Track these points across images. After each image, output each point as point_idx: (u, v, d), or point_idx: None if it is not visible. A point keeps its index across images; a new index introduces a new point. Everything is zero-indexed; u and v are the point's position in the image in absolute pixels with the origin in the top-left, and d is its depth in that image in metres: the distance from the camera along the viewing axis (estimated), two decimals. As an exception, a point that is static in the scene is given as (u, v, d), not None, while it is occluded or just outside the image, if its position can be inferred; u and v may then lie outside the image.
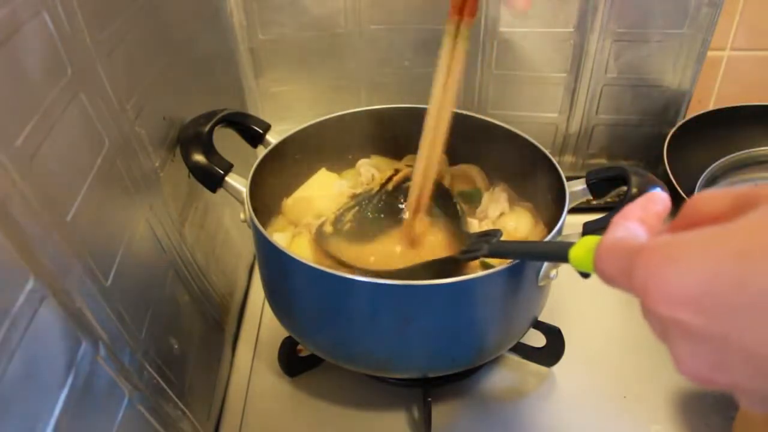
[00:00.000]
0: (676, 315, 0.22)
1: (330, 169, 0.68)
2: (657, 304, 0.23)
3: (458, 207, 0.59)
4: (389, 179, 0.64)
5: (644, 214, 0.28)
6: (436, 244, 0.59)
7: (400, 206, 0.63)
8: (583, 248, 0.31)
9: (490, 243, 0.48)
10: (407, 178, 0.64)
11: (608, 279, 0.26)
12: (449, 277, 0.45)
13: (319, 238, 0.59)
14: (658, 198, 0.28)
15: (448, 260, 0.53)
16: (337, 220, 0.61)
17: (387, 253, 0.59)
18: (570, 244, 0.32)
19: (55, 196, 0.34)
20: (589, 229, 0.49)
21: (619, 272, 0.25)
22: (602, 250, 0.26)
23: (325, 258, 0.57)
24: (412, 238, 0.59)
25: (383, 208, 0.63)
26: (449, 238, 0.60)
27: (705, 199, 0.25)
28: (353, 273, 0.53)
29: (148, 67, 0.50)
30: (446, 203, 0.61)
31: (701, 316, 0.21)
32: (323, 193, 0.65)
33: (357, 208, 0.62)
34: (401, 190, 0.63)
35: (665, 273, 0.22)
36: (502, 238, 0.49)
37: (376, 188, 0.64)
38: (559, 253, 0.34)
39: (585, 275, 0.45)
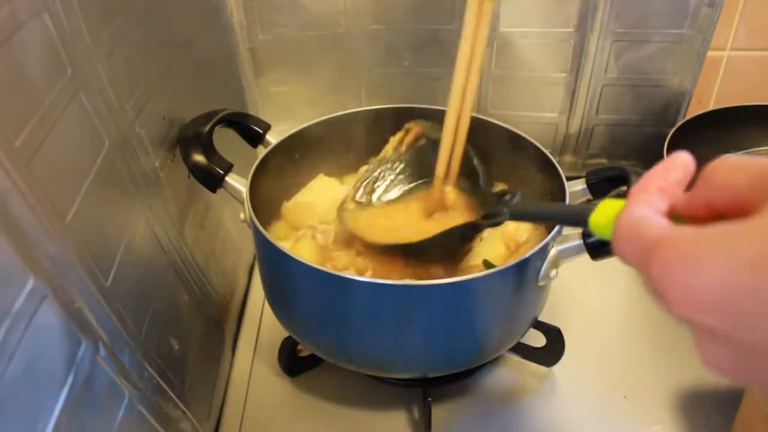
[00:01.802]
0: (696, 318, 0.22)
1: (330, 169, 0.68)
2: (676, 306, 0.22)
3: (475, 163, 0.58)
4: (401, 141, 0.63)
5: (664, 182, 0.26)
6: (455, 207, 0.58)
7: (417, 171, 0.62)
8: (602, 215, 0.30)
9: (510, 206, 0.46)
10: (419, 137, 0.62)
11: (625, 262, 0.25)
12: (470, 243, 0.44)
13: (342, 215, 0.58)
14: (680, 163, 0.27)
15: (468, 227, 0.52)
16: (356, 193, 0.60)
17: (410, 223, 0.58)
18: (590, 209, 0.31)
19: (55, 196, 0.34)
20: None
21: (635, 261, 0.24)
22: (619, 232, 0.25)
23: (350, 238, 0.57)
24: (439, 205, 0.58)
25: (402, 172, 0.62)
26: (467, 199, 0.58)
27: (722, 171, 0.24)
28: (373, 258, 0.53)
29: (148, 67, 0.50)
30: (463, 163, 0.59)
31: (722, 320, 0.21)
32: (322, 198, 0.65)
33: (375, 177, 0.62)
34: (416, 149, 0.62)
35: (683, 277, 0.22)
36: (521, 199, 0.47)
37: (390, 153, 0.63)
38: (579, 218, 0.32)
39: (597, 253, 0.44)
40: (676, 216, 0.26)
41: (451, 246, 0.45)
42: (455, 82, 0.54)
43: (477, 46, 0.52)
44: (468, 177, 0.59)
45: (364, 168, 0.69)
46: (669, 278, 0.22)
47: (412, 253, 0.53)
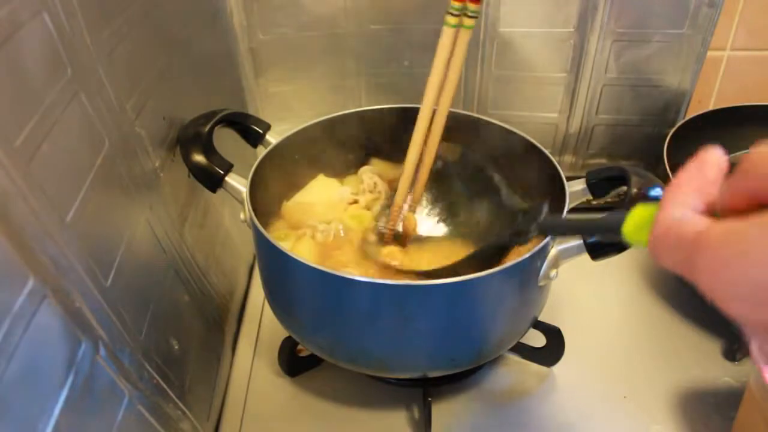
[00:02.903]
0: (749, 316, 0.21)
1: (330, 170, 0.68)
2: (727, 305, 0.21)
3: (496, 180, 0.57)
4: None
5: (698, 181, 0.25)
6: (478, 226, 0.58)
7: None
8: (636, 223, 0.29)
9: (538, 222, 0.45)
10: (435, 160, 0.61)
11: (666, 267, 0.24)
12: (500, 264, 0.44)
13: (366, 248, 0.59)
14: (712, 160, 0.25)
15: (497, 246, 0.51)
16: (378, 224, 0.60)
17: (433, 246, 0.58)
18: (622, 218, 0.30)
19: (55, 196, 0.34)
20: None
21: (677, 264, 0.23)
22: (656, 238, 0.24)
23: (375, 267, 0.57)
24: (403, 238, 0.58)
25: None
26: (489, 216, 0.57)
27: (765, 160, 0.22)
28: (399, 277, 0.52)
29: (148, 67, 0.50)
30: (477, 178, 0.58)
31: None
32: (322, 198, 0.65)
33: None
34: (433, 173, 0.62)
35: (730, 276, 0.21)
36: (548, 214, 0.46)
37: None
38: (611, 229, 0.31)
39: (597, 253, 0.43)
40: (716, 214, 0.24)
41: (479, 267, 0.45)
42: (424, 104, 0.53)
43: (451, 73, 0.51)
44: (488, 197, 0.58)
45: (364, 168, 0.69)
46: (715, 279, 0.21)
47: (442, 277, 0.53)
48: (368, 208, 0.64)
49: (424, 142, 0.55)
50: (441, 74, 0.51)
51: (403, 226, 0.59)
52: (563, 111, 0.79)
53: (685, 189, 0.25)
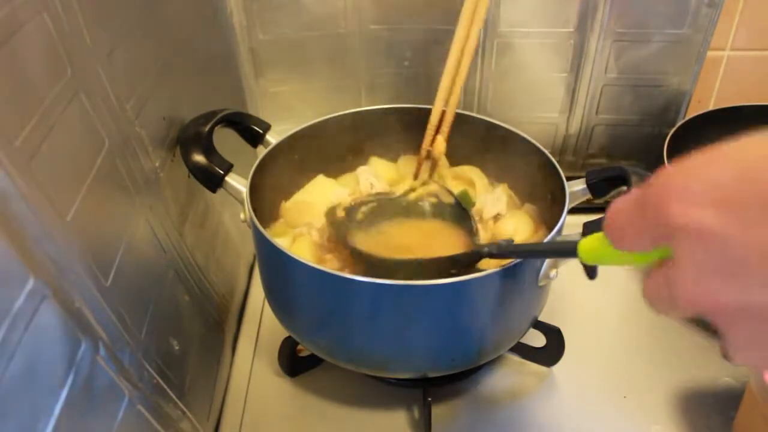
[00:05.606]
0: (701, 218, 0.21)
1: (330, 169, 0.68)
2: (678, 210, 0.22)
3: (462, 206, 0.59)
4: (412, 189, 0.63)
5: None
6: (439, 244, 0.59)
7: (417, 217, 0.62)
8: (590, 240, 0.32)
9: (499, 244, 0.48)
10: (430, 194, 0.62)
11: (623, 238, 0.26)
12: (454, 276, 0.45)
13: (330, 219, 0.58)
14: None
15: (456, 258, 0.52)
16: (351, 209, 0.60)
17: (394, 247, 0.59)
18: (578, 239, 0.33)
19: (55, 196, 0.34)
20: (589, 229, 0.49)
21: (632, 221, 0.24)
22: (612, 212, 0.26)
23: (335, 238, 0.58)
24: (432, 160, 0.59)
25: (400, 211, 0.62)
26: (455, 241, 0.59)
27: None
28: (356, 261, 0.53)
29: (148, 67, 0.51)
30: (452, 205, 0.60)
31: (730, 217, 0.21)
32: (322, 198, 0.64)
33: (375, 204, 0.61)
34: (422, 203, 0.62)
35: (684, 177, 0.22)
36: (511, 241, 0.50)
37: (399, 193, 0.63)
38: (568, 250, 0.35)
39: (591, 274, 0.45)
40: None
41: (448, 271, 0.47)
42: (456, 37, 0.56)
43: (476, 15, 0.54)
44: (455, 219, 0.60)
45: (361, 168, 0.68)
46: (669, 185, 0.23)
47: (409, 270, 0.53)
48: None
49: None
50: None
51: (434, 149, 0.59)
52: (563, 111, 0.79)
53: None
